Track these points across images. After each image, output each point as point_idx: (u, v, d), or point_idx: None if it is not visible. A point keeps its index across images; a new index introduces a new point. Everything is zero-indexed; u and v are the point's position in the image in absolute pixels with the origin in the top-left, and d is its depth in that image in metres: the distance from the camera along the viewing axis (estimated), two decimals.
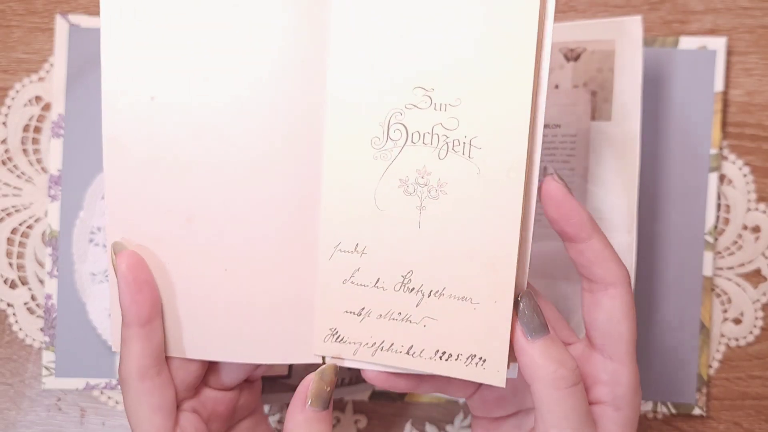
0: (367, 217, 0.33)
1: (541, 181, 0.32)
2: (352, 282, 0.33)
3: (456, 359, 0.32)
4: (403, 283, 0.33)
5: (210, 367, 0.37)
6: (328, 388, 0.33)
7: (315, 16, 0.32)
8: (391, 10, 0.32)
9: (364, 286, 0.33)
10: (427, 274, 0.33)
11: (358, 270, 0.33)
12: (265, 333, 0.35)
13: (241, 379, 0.38)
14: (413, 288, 0.33)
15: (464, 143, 0.31)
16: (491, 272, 0.32)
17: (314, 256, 0.34)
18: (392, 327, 0.33)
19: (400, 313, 0.33)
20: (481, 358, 0.32)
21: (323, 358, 0.35)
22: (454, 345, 0.33)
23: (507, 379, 0.32)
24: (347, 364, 0.34)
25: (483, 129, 0.31)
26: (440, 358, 0.33)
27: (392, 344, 0.33)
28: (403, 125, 0.32)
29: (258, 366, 0.39)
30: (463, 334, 0.32)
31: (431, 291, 0.33)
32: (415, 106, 0.32)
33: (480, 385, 0.37)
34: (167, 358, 0.35)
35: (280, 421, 0.50)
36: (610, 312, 0.32)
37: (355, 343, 0.34)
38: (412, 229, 0.32)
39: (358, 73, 0.32)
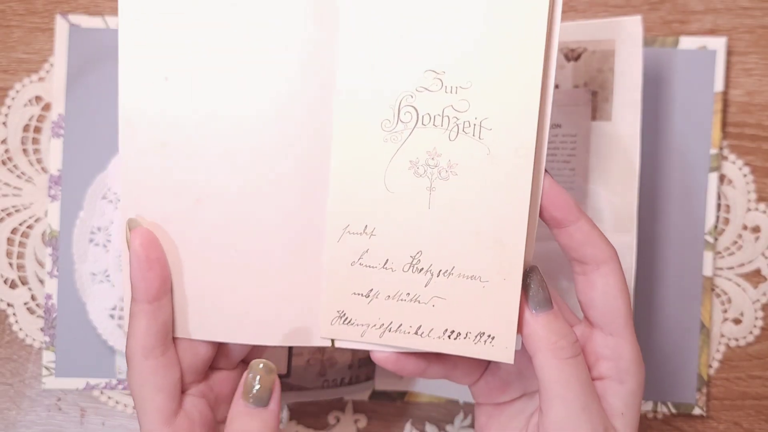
0: (377, 198, 0.33)
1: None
2: (360, 264, 0.34)
3: (465, 337, 0.33)
4: (411, 263, 0.33)
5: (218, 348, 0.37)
6: (259, 386, 0.32)
7: (324, 5, 0.33)
8: (400, 8, 0.32)
9: (373, 267, 0.34)
10: (436, 254, 0.33)
11: (366, 252, 0.33)
12: (273, 315, 0.35)
13: (245, 352, 0.38)
14: (422, 268, 0.33)
15: (475, 125, 0.32)
16: (500, 250, 0.32)
17: (322, 238, 0.34)
18: (400, 307, 0.33)
19: (408, 294, 0.33)
20: (489, 336, 0.33)
21: (332, 341, 0.35)
22: (462, 323, 0.33)
23: (511, 359, 0.33)
24: (354, 346, 0.35)
25: (493, 110, 0.32)
26: (449, 337, 0.33)
27: (400, 325, 0.34)
28: (414, 108, 0.32)
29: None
30: (471, 312, 0.33)
31: (440, 271, 0.33)
32: (426, 88, 0.32)
33: (485, 370, 0.37)
34: (175, 340, 0.35)
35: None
36: (605, 289, 0.33)
37: (362, 325, 0.34)
38: (421, 209, 0.33)
39: (368, 58, 0.32)
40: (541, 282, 0.33)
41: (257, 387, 0.33)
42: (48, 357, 0.48)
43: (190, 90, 0.33)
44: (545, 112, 0.32)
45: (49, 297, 0.48)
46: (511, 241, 0.32)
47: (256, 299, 0.34)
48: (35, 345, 0.49)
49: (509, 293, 0.32)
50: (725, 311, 0.49)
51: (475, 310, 0.33)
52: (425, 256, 0.33)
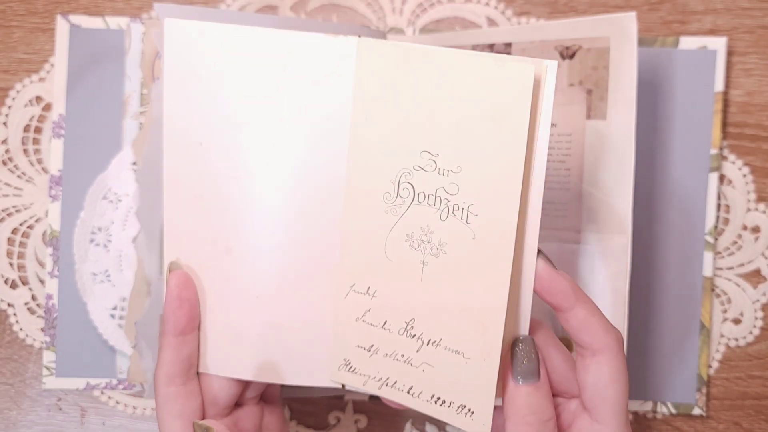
0: (378, 264, 0.35)
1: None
2: (363, 320, 0.36)
3: (449, 406, 0.35)
4: (406, 328, 0.35)
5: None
6: None
7: (341, 78, 0.35)
8: (402, 85, 0.34)
9: (374, 326, 0.36)
10: (427, 324, 0.35)
11: (369, 310, 0.36)
12: (290, 356, 0.38)
13: (262, 388, 0.41)
14: (414, 335, 0.35)
15: (463, 209, 0.33)
16: (482, 330, 0.33)
17: (334, 290, 0.37)
18: (396, 367, 0.36)
19: (402, 355, 0.36)
20: (470, 410, 0.34)
21: (342, 384, 0.38)
22: (447, 393, 0.35)
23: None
24: (360, 390, 0.37)
25: (479, 197, 0.33)
26: (435, 402, 0.35)
27: (395, 382, 0.36)
28: (411, 185, 0.34)
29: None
30: (455, 384, 0.34)
31: (430, 340, 0.35)
32: (422, 168, 0.34)
33: None
34: (202, 375, 0.38)
35: None
36: (596, 377, 0.33)
37: (364, 376, 0.37)
38: (415, 280, 0.35)
39: (374, 135, 0.34)
40: (528, 353, 0.33)
41: None
42: (48, 357, 0.48)
43: (220, 153, 0.37)
44: (533, 195, 0.32)
45: (49, 297, 0.48)
46: (491, 323, 0.33)
47: (275, 341, 0.37)
48: (36, 345, 0.49)
49: (488, 373, 0.33)
50: (725, 311, 0.49)
51: (458, 383, 0.34)
52: (418, 323, 0.35)
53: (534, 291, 0.33)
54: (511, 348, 0.34)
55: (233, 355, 0.38)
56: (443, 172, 0.33)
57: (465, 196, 0.33)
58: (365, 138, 0.35)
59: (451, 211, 0.33)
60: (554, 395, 0.36)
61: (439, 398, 0.35)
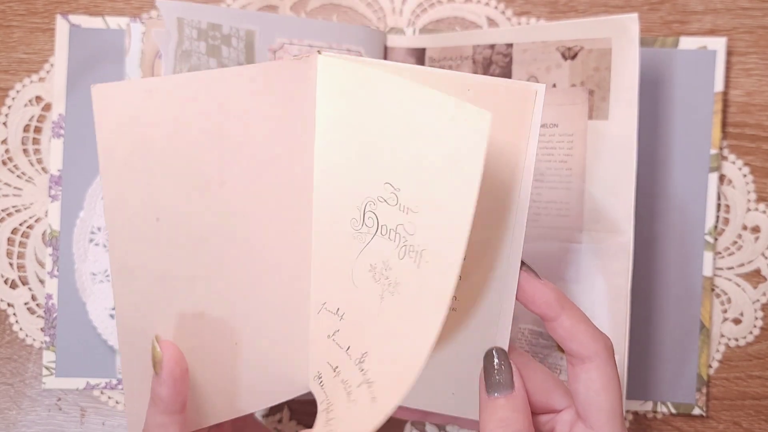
0: (346, 288, 0.34)
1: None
2: (333, 340, 0.35)
3: None
4: (360, 359, 0.33)
5: None
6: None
7: (298, 104, 0.34)
8: (366, 108, 0.32)
9: (341, 347, 0.34)
10: (374, 362, 0.32)
11: (338, 331, 0.35)
12: (269, 383, 0.37)
13: None
14: (363, 369, 0.33)
15: (417, 252, 0.31)
16: (398, 378, 0.30)
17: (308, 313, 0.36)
18: (345, 398, 0.33)
19: (350, 386, 0.33)
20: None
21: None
22: None
23: None
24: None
25: (431, 245, 0.30)
26: None
27: (331, 412, 0.34)
28: (375, 215, 0.33)
29: None
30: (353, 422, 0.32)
31: (369, 380, 0.32)
32: (384, 200, 0.32)
33: None
34: None
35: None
36: (587, 385, 0.33)
37: (327, 396, 0.34)
38: (373, 314, 0.33)
39: (340, 156, 0.33)
40: (498, 366, 0.33)
41: None
42: (48, 357, 0.48)
43: (183, 223, 0.33)
44: (519, 214, 0.32)
45: (49, 297, 0.48)
46: (407, 375, 0.30)
47: (255, 376, 0.36)
48: (35, 345, 0.49)
49: (372, 418, 0.30)
50: (725, 311, 0.49)
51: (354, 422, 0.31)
52: (369, 359, 0.32)
53: (518, 301, 0.33)
54: (483, 361, 0.33)
55: (220, 400, 0.36)
56: (404, 209, 0.31)
57: (420, 239, 0.31)
58: (331, 160, 0.33)
59: (407, 251, 0.31)
60: (544, 412, 0.35)
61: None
